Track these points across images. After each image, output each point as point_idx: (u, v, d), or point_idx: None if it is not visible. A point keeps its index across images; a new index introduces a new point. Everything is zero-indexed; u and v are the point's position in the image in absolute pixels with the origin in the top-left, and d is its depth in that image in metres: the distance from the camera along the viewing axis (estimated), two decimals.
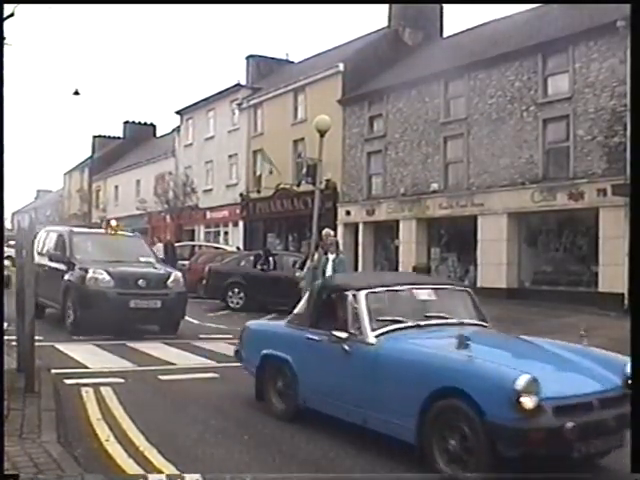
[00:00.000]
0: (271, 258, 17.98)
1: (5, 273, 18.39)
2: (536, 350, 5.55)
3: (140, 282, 11.59)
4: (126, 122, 54.50)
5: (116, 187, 49.16)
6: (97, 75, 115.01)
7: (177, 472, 4.80)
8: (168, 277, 12.09)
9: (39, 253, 12.57)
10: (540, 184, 20.02)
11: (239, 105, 34.40)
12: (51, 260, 12.50)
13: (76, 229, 14.18)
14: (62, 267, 12.13)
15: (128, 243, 13.84)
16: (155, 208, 37.35)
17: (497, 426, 4.36)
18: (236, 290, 17.75)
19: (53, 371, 7.81)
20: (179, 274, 12.61)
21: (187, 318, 14.85)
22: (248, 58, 38.61)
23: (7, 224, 47.85)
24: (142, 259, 12.76)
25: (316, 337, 5.92)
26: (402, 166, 24.95)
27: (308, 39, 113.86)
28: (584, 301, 18.02)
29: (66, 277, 11.81)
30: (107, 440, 5.49)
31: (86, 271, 11.49)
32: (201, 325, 13.99)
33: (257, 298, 17.27)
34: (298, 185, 26.36)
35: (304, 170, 23.76)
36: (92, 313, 11.31)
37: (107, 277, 11.46)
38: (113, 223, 14.75)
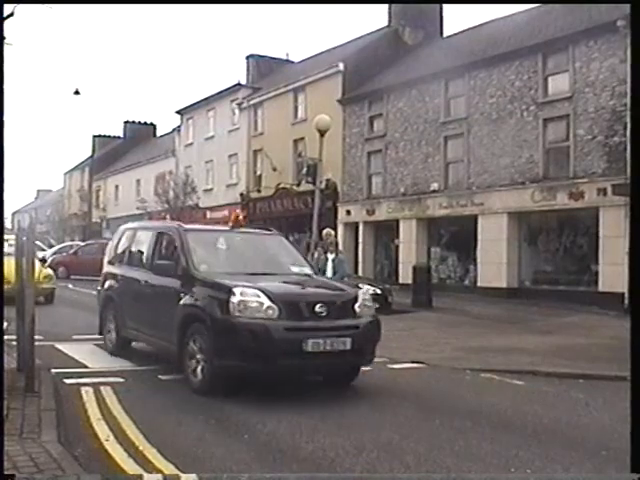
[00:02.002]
0: None
1: (49, 285, 16.96)
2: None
3: (318, 309, 7.19)
4: (126, 122, 54.56)
5: (116, 187, 49.18)
6: (97, 75, 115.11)
7: (176, 472, 4.80)
8: (355, 298, 7.68)
9: (115, 262, 10.16)
10: (540, 184, 20.02)
11: (239, 105, 34.40)
12: (153, 272, 8.63)
13: (188, 225, 9.66)
14: (172, 284, 8.08)
15: (266, 244, 9.57)
16: (155, 208, 37.32)
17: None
18: None
19: (53, 371, 7.81)
20: (369, 289, 9.10)
21: None
22: (248, 58, 38.63)
23: (7, 224, 47.90)
24: (295, 269, 8.75)
25: None
26: (402, 166, 24.95)
27: (308, 39, 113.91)
28: (584, 301, 18.02)
29: (185, 300, 7.67)
30: (107, 440, 5.49)
31: (229, 291, 7.12)
32: None
33: None
34: (298, 185, 26.37)
35: (304, 170, 23.71)
36: (240, 362, 6.95)
37: (267, 301, 7.03)
38: (237, 215, 10.28)
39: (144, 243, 9.42)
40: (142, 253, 9.31)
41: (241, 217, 10.92)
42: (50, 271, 17.49)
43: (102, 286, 10.28)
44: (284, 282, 8.05)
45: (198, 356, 7.27)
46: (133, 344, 9.63)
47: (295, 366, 7.10)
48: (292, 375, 7.59)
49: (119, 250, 10.22)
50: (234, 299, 6.97)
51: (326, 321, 7.15)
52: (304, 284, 8.04)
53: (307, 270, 8.77)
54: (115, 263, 10.15)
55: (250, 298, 7.00)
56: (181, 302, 7.65)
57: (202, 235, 9.18)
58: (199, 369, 7.25)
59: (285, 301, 7.11)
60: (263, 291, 7.08)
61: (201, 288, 7.57)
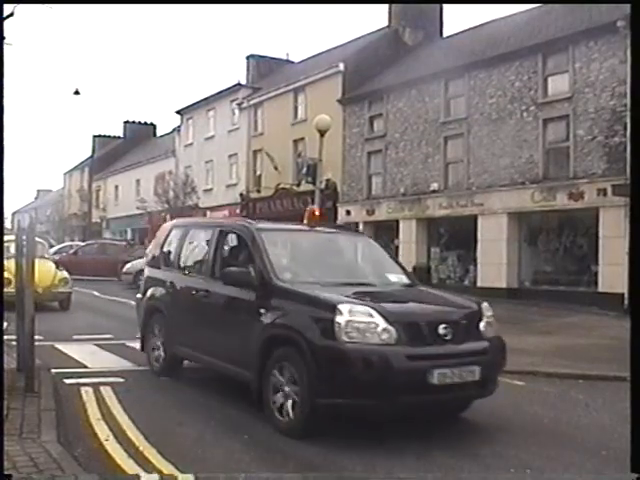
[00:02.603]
0: None
1: (66, 289, 15.47)
2: None
3: (442, 330, 5.77)
4: (126, 122, 54.54)
5: (116, 187, 49.17)
6: (97, 75, 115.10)
7: (176, 472, 4.80)
8: (480, 314, 6.23)
9: (160, 265, 8.65)
10: (540, 184, 20.02)
11: (239, 105, 34.40)
12: (218, 280, 7.05)
13: (261, 223, 7.67)
14: (244, 295, 6.55)
15: (354, 246, 7.99)
16: (155, 208, 37.32)
17: None
18: None
19: (53, 371, 7.80)
20: (484, 304, 6.45)
21: None
22: (248, 58, 38.63)
23: (7, 224, 47.90)
24: (392, 277, 7.27)
25: None
26: (402, 166, 24.95)
27: (308, 39, 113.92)
28: (584, 301, 18.02)
29: (267, 318, 6.14)
30: (107, 440, 5.49)
31: (332, 308, 5.60)
32: None
33: None
34: (298, 185, 26.35)
35: (304, 170, 23.72)
36: (350, 399, 5.52)
37: (382, 322, 5.57)
38: (314, 212, 8.35)
39: (200, 244, 8.02)
40: (199, 256, 7.94)
41: (317, 212, 8.78)
42: (66, 274, 15.99)
43: (143, 294, 8.71)
44: (393, 296, 6.60)
45: (287, 389, 5.81)
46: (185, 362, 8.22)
47: (418, 403, 5.74)
48: (411, 413, 6.08)
49: (166, 251, 8.68)
50: (340, 319, 5.48)
51: (451, 345, 5.75)
52: (418, 298, 6.64)
53: (405, 279, 7.27)
54: (160, 267, 8.59)
55: (361, 318, 5.51)
56: (262, 319, 6.13)
57: (279, 235, 7.50)
58: (288, 405, 5.80)
59: (403, 322, 5.67)
60: (376, 309, 5.63)
61: (289, 303, 6.08)
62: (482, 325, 6.10)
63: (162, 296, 8.23)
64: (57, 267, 16.07)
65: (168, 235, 8.80)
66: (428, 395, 5.64)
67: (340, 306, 5.58)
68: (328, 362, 5.52)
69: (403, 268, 7.60)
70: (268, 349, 6.05)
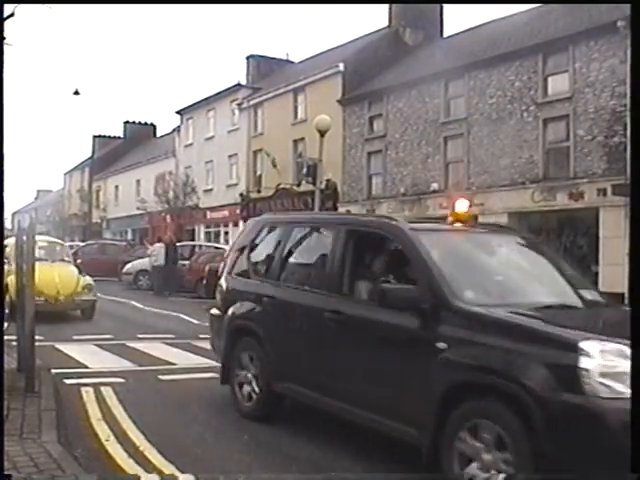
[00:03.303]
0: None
1: (89, 297, 13.72)
2: None
3: None
4: (126, 122, 54.52)
5: (116, 187, 49.16)
6: (97, 75, 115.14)
7: (176, 472, 4.80)
8: None
9: (249, 273, 6.83)
10: (540, 184, 20.02)
11: (239, 105, 34.40)
12: (372, 300, 5.22)
13: (411, 222, 6.13)
14: (405, 322, 4.81)
15: (530, 254, 6.10)
16: (155, 208, 37.35)
17: None
18: None
19: (53, 371, 7.79)
20: None
21: (187, 318, 14.92)
22: (248, 58, 38.62)
23: (7, 224, 47.89)
24: (587, 294, 5.47)
25: None
26: (402, 166, 24.95)
27: (308, 39, 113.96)
28: None
29: (449, 355, 4.45)
30: (107, 440, 5.49)
31: (572, 348, 3.91)
32: (201, 325, 13.94)
33: None
34: (298, 185, 26.36)
35: (304, 170, 23.75)
36: (593, 472, 3.83)
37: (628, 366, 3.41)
38: (462, 205, 5.96)
39: (314, 248, 6.39)
40: (313, 264, 6.27)
41: (466, 207, 5.91)
42: (90, 280, 14.35)
43: (224, 310, 6.84)
44: (620, 325, 4.14)
45: (487, 457, 4.11)
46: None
47: None
48: None
49: (257, 256, 6.87)
50: (589, 363, 3.80)
51: None
52: None
53: (597, 295, 5.72)
54: (250, 276, 6.75)
55: (615, 361, 3.80)
56: (441, 356, 4.42)
57: (440, 238, 5.55)
58: None
59: None
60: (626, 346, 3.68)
61: (484, 335, 4.31)
62: None
63: (256, 315, 6.32)
64: (80, 272, 14.46)
65: (257, 235, 6.94)
66: None
67: (585, 344, 3.86)
68: (571, 425, 3.81)
69: (585, 278, 6.16)
70: (454, 400, 4.32)
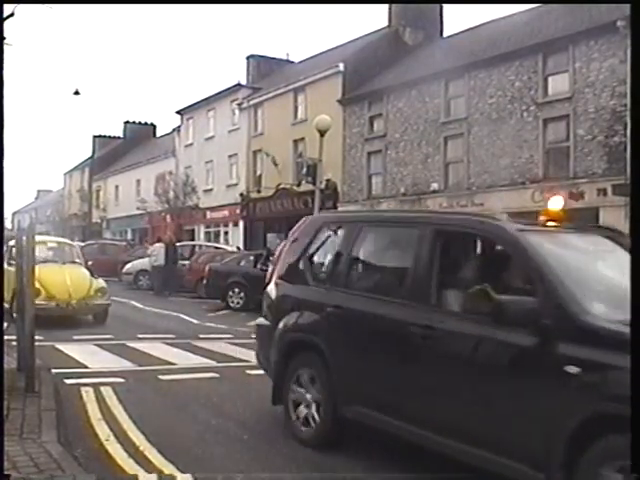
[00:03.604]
0: (272, 257, 17.94)
1: (103, 301, 12.98)
2: None
3: None
4: (126, 122, 54.54)
5: (116, 187, 49.17)
6: (97, 75, 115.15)
7: (176, 472, 4.80)
8: None
9: (307, 279, 5.95)
10: (540, 184, 20.02)
11: (239, 105, 34.41)
12: (486, 316, 4.21)
13: (518, 222, 5.17)
14: (520, 340, 4.11)
15: (619, 250, 4.79)
16: (155, 208, 37.35)
17: None
18: (236, 290, 17.74)
19: (53, 371, 7.79)
20: None
21: (187, 318, 14.92)
22: (248, 58, 38.65)
23: (7, 224, 47.88)
24: None
25: None
26: (402, 166, 24.96)
27: (308, 39, 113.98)
28: None
29: (585, 380, 3.71)
30: (107, 440, 5.49)
31: None
32: (201, 325, 13.98)
33: (257, 298, 16.94)
34: (298, 185, 26.35)
35: (304, 170, 23.79)
36: None
37: None
38: (556, 203, 5.28)
39: (395, 250, 5.54)
40: (391, 270, 5.55)
41: (561, 204, 5.20)
42: (103, 283, 13.64)
43: (274, 320, 6.01)
44: None
45: None
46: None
47: None
48: None
49: (318, 259, 6.09)
50: None
51: None
52: None
53: None
54: (308, 282, 5.89)
55: None
56: (575, 383, 3.74)
57: (552, 241, 4.70)
58: None
59: None
60: None
61: (622, 357, 3.37)
62: None
63: (319, 327, 5.52)
64: (92, 274, 13.64)
65: (316, 236, 6.05)
66: None
67: None
68: None
69: None
70: (590, 434, 3.66)
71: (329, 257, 5.89)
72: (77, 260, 14.19)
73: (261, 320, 6.38)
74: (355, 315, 5.31)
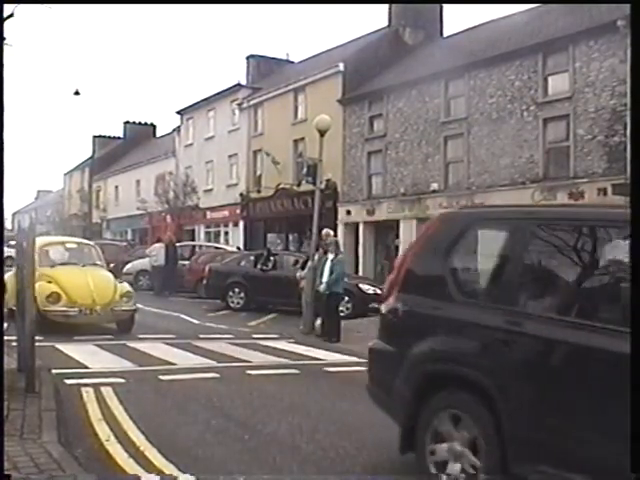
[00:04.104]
0: (272, 258, 17.96)
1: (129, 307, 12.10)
2: None
3: None
4: (126, 122, 54.52)
5: (116, 187, 49.16)
6: (97, 75, 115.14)
7: (176, 472, 4.80)
8: None
9: (453, 295, 4.49)
10: (540, 184, 20.02)
11: (239, 105, 34.40)
12: None
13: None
14: None
15: None
16: (155, 208, 37.35)
17: None
18: (236, 290, 17.74)
19: (53, 371, 7.80)
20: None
21: (187, 318, 14.93)
22: (248, 58, 38.63)
23: (7, 224, 47.89)
24: None
25: None
26: (402, 166, 24.95)
27: (308, 39, 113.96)
28: None
29: None
30: (107, 440, 5.49)
31: None
32: (201, 325, 13.99)
33: (257, 298, 17.26)
34: (298, 185, 26.33)
35: (304, 170, 23.79)
36: None
37: None
38: None
39: (592, 259, 4.09)
40: (592, 285, 4.09)
41: None
42: (128, 286, 12.70)
43: (400, 345, 4.70)
44: None
45: None
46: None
47: None
48: None
49: (466, 268, 4.84)
50: None
51: None
52: None
53: None
54: (454, 297, 4.47)
55: None
56: None
57: None
58: None
59: None
60: None
61: None
62: None
63: (476, 357, 4.19)
64: (115, 277, 12.88)
65: (461, 238, 4.63)
66: None
67: None
68: None
69: None
70: None
71: (485, 266, 4.67)
72: (98, 262, 13.02)
73: (378, 344, 4.96)
74: (535, 343, 3.98)
